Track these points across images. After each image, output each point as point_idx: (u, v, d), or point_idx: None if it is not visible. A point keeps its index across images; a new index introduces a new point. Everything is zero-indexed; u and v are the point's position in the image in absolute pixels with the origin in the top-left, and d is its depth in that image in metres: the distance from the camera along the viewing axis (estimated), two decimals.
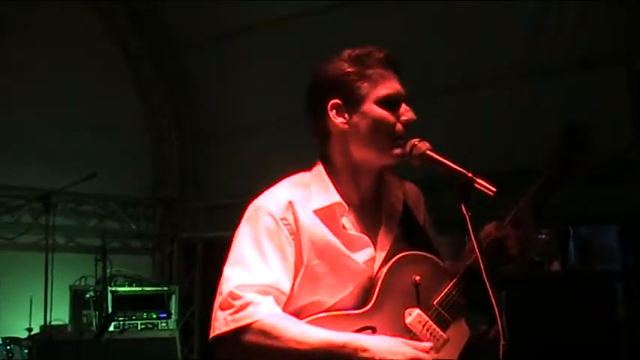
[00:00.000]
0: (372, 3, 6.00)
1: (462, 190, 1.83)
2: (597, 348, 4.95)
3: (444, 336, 2.01)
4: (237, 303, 1.87)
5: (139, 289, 6.64)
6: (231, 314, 1.87)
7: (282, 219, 1.98)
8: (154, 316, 6.54)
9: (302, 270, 1.98)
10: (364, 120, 2.03)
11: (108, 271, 6.30)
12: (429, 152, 1.96)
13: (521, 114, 5.62)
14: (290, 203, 2.00)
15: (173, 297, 6.73)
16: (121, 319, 6.22)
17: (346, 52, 2.07)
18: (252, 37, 7.04)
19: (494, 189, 1.79)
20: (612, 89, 5.12)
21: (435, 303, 2.04)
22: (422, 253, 2.09)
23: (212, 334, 1.90)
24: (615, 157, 4.96)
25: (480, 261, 1.81)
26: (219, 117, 7.84)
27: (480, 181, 1.82)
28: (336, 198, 2.05)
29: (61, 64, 7.15)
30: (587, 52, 5.22)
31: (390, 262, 2.03)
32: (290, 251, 1.97)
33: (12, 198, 7.07)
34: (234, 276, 1.93)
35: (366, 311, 1.97)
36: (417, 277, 2.03)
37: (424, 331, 2.00)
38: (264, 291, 1.90)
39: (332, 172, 2.10)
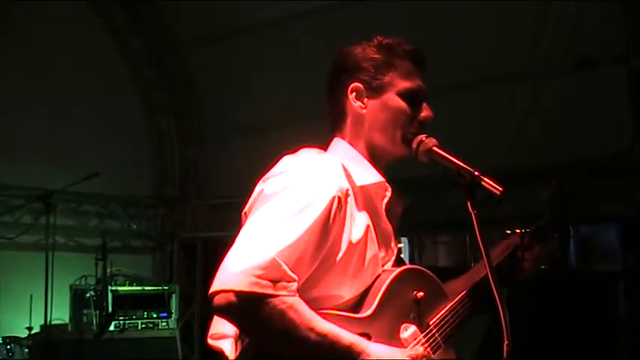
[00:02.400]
0: (372, 3, 6.00)
1: (469, 188, 1.82)
2: (598, 346, 4.97)
3: (433, 357, 1.99)
4: (274, 267, 1.70)
5: (140, 288, 6.63)
6: (258, 276, 1.68)
7: (338, 204, 1.84)
8: (155, 315, 6.53)
9: (337, 260, 1.87)
10: (382, 108, 2.02)
11: (108, 270, 6.29)
12: (435, 149, 1.95)
13: (522, 114, 5.63)
14: (347, 191, 1.89)
15: (173, 296, 6.72)
16: (121, 318, 6.22)
17: (377, 39, 2.05)
18: (252, 37, 7.04)
19: (500, 188, 1.79)
20: (612, 89, 5.12)
21: (430, 323, 2.03)
22: (425, 270, 2.09)
23: (221, 287, 1.70)
24: (615, 156, 4.97)
25: (486, 261, 1.80)
26: (219, 116, 7.85)
27: (486, 179, 1.81)
28: (380, 177, 2.00)
29: (62, 64, 7.14)
30: (587, 52, 5.23)
31: (396, 272, 1.99)
32: (332, 236, 1.84)
33: (12, 198, 7.05)
34: (278, 238, 1.74)
35: (366, 317, 1.91)
36: (420, 294, 2.00)
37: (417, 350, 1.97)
38: (296, 266, 1.74)
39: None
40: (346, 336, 1.80)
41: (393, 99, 2.02)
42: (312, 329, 1.74)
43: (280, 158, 1.99)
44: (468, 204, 1.82)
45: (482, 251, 1.81)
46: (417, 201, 6.03)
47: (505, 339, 1.74)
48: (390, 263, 2.05)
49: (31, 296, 6.06)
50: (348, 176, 1.94)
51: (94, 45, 7.57)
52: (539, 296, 5.19)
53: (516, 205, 1.96)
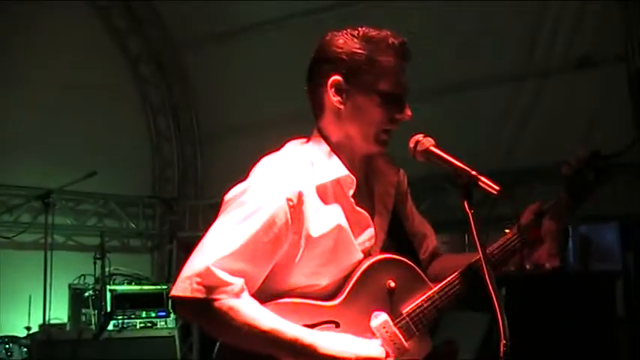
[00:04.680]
0: (371, 3, 5.99)
1: (465, 188, 1.83)
2: (597, 346, 4.95)
3: (405, 346, 1.99)
4: (208, 275, 1.85)
5: (138, 287, 6.62)
6: (198, 283, 1.84)
7: (290, 206, 1.92)
8: (153, 314, 6.51)
9: (299, 255, 1.95)
10: (360, 106, 2.01)
11: (107, 269, 6.28)
12: (432, 149, 1.95)
13: (522, 113, 5.62)
14: (300, 192, 1.94)
15: None
16: (119, 317, 6.20)
17: (362, 31, 2.02)
18: (251, 37, 7.04)
19: (497, 187, 1.79)
20: (612, 88, 5.11)
21: (404, 312, 2.03)
22: (403, 259, 2.08)
23: (174, 293, 1.88)
24: (615, 156, 4.95)
25: (483, 260, 1.80)
26: (217, 116, 7.85)
27: (483, 179, 1.81)
28: (343, 170, 2.02)
29: (61, 64, 7.15)
30: (587, 52, 5.22)
31: (369, 262, 2.02)
32: (286, 237, 1.93)
33: (11, 197, 7.07)
34: (219, 246, 1.89)
35: (335, 305, 1.97)
36: (392, 284, 2.02)
37: (386, 337, 1.98)
38: (239, 271, 1.87)
39: (330, 145, 2.07)
40: (291, 331, 1.87)
41: (370, 99, 2.00)
42: (254, 327, 1.85)
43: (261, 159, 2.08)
44: (465, 204, 1.82)
45: (480, 251, 1.81)
46: (416, 200, 6.02)
47: (502, 338, 1.73)
48: (376, 245, 2.07)
49: (30, 296, 6.06)
50: (314, 173, 2.00)
51: (93, 45, 7.58)
52: (538, 296, 5.17)
53: (516, 204, 1.94)
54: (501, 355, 1.73)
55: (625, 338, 5.06)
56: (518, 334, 1.80)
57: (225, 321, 1.85)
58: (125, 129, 7.89)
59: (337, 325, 1.95)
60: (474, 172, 1.83)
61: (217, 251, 1.87)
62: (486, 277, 1.78)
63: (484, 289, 1.79)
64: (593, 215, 5.25)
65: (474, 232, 1.81)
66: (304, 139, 2.12)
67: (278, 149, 2.11)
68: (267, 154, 2.10)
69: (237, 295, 1.86)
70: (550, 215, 2.14)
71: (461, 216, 1.82)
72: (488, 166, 2.00)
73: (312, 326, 1.92)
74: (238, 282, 1.86)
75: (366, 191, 2.10)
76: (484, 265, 1.80)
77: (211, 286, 1.84)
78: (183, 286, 1.86)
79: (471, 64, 5.69)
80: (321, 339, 1.88)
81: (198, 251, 1.92)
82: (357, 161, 2.09)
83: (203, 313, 1.87)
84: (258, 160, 2.10)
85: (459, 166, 1.87)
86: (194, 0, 7.23)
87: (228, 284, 1.85)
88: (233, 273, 1.86)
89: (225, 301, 1.84)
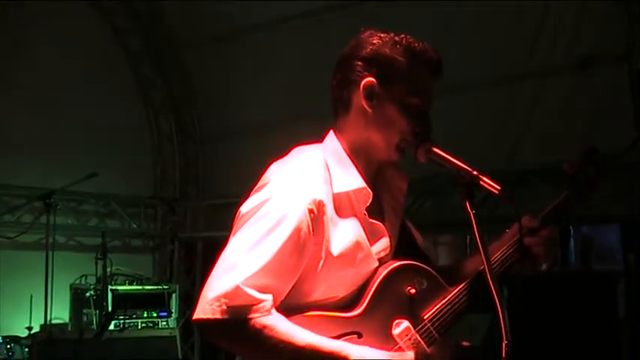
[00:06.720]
0: (371, 3, 5.99)
1: (467, 188, 1.83)
2: (598, 346, 4.96)
3: (428, 351, 1.99)
4: (239, 294, 1.79)
5: (140, 287, 6.63)
6: (227, 304, 1.78)
7: (312, 217, 1.89)
8: (155, 315, 6.54)
9: (318, 270, 1.92)
10: (387, 115, 1.99)
11: (108, 269, 6.29)
12: (434, 149, 1.95)
13: (522, 114, 5.62)
14: (321, 202, 1.91)
15: (173, 296, 6.73)
16: (121, 317, 6.22)
17: (405, 40, 2.00)
18: (252, 37, 7.04)
19: (499, 187, 1.79)
20: (613, 89, 5.11)
21: (425, 318, 2.03)
22: (421, 264, 2.07)
23: (201, 316, 1.80)
24: (616, 156, 4.96)
25: (484, 260, 1.81)
26: (219, 116, 7.85)
27: (485, 179, 1.81)
28: (361, 182, 1.99)
29: (62, 64, 7.15)
30: (588, 52, 5.22)
31: (387, 270, 2.00)
32: (309, 249, 1.90)
33: (13, 197, 7.07)
34: (245, 262, 1.82)
35: (356, 316, 1.95)
36: (412, 290, 2.01)
37: (409, 345, 1.98)
38: (267, 287, 1.82)
39: (346, 147, 2.04)
40: (327, 345, 1.86)
41: (400, 109, 1.99)
42: (290, 344, 1.82)
43: (269, 166, 2.03)
44: (467, 204, 1.82)
45: (482, 251, 1.81)
46: (418, 201, 6.03)
47: (504, 339, 1.74)
48: (389, 254, 2.06)
49: (31, 296, 6.06)
50: (330, 181, 1.96)
51: (94, 45, 7.57)
52: (539, 296, 5.18)
53: (517, 204, 1.93)
54: (503, 355, 1.73)
55: (626, 338, 5.07)
56: (519, 334, 1.81)
57: (261, 341, 1.80)
58: (126, 129, 7.88)
59: (360, 335, 1.94)
60: (475, 172, 1.83)
61: (244, 269, 1.81)
62: (488, 277, 1.79)
63: (487, 289, 1.79)
64: (594, 216, 5.26)
65: (476, 233, 1.81)
66: (313, 145, 2.08)
67: (280, 150, 2.10)
68: (269, 156, 2.08)
69: (269, 312, 1.82)
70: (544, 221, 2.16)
71: (462, 217, 1.83)
72: (489, 167, 2.00)
73: (335, 338, 1.90)
74: (269, 299, 1.82)
75: (375, 198, 2.05)
76: (486, 266, 1.80)
77: (243, 305, 1.79)
78: (212, 309, 1.79)
79: (471, 64, 5.69)
80: (359, 350, 1.87)
81: (222, 269, 1.84)
82: (373, 166, 2.08)
83: (236, 335, 1.82)
84: (259, 160, 2.09)
85: (461, 167, 1.87)
86: (196, 0, 7.23)
87: (259, 302, 1.80)
88: (262, 290, 1.81)
89: (258, 320, 1.80)
